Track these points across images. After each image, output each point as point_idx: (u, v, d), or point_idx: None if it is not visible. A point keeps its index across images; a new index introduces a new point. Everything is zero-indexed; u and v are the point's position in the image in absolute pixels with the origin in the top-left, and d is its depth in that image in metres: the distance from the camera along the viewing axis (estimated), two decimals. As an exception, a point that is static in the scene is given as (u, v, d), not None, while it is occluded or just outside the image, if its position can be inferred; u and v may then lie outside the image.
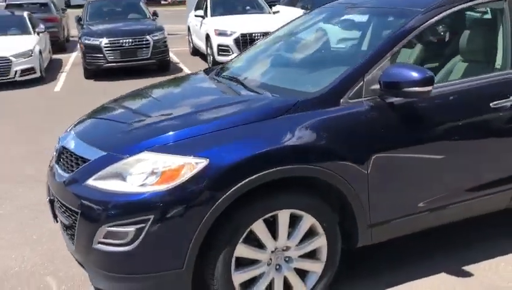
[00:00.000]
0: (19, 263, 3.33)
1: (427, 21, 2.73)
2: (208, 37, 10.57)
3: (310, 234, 2.56)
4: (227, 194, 2.27)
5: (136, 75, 9.65)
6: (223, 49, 9.97)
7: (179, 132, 2.43)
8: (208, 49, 10.65)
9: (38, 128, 6.67)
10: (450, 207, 2.81)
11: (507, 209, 3.06)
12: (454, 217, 2.91)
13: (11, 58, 9.50)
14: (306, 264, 2.60)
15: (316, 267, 2.62)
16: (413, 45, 2.98)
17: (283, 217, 2.45)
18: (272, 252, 2.50)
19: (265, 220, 2.43)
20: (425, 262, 3.07)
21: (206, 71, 3.64)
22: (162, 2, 35.64)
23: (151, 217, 2.23)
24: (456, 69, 3.08)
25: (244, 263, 2.47)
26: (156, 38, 10.17)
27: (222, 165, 2.28)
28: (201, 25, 11.27)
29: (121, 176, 2.34)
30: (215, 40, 10.16)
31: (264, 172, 2.30)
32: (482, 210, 3.00)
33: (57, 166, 2.73)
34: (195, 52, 12.37)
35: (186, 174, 2.26)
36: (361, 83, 2.57)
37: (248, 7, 11.82)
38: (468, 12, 3.16)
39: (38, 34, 10.86)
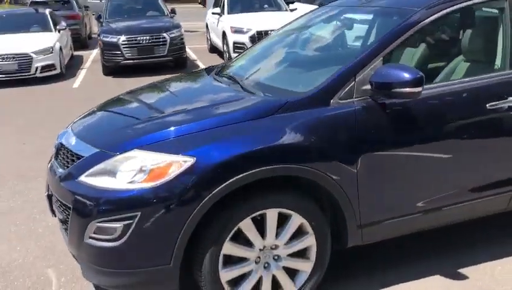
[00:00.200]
0: (22, 255, 3.44)
1: (422, 21, 2.70)
2: (224, 34, 10.64)
3: (299, 233, 2.57)
4: (213, 192, 2.30)
5: (153, 72, 9.77)
6: (239, 47, 10.00)
7: (169, 131, 2.47)
8: (224, 46, 10.72)
9: (53, 123, 6.80)
10: (444, 209, 2.79)
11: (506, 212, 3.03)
12: (449, 219, 2.88)
13: (32, 54, 9.74)
14: (295, 263, 2.61)
15: (305, 267, 2.63)
16: (407, 44, 2.94)
17: (271, 216, 2.47)
18: (260, 250, 2.52)
19: (254, 219, 2.45)
20: (422, 263, 3.06)
21: (208, 70, 3.69)
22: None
23: (138, 213, 2.28)
24: (453, 70, 3.03)
25: (233, 261, 2.50)
26: (172, 35, 10.28)
27: (209, 164, 2.31)
28: (218, 22, 11.34)
29: (111, 173, 2.39)
30: (231, 38, 10.21)
31: (250, 171, 2.32)
32: (484, 211, 2.97)
33: (55, 162, 2.81)
34: (213, 49, 12.45)
35: (173, 173, 2.30)
36: (353, 83, 2.56)
37: (265, 5, 11.83)
38: (466, 12, 3.11)
39: (59, 31, 11.09)
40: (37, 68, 9.79)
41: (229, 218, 2.40)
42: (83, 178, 2.45)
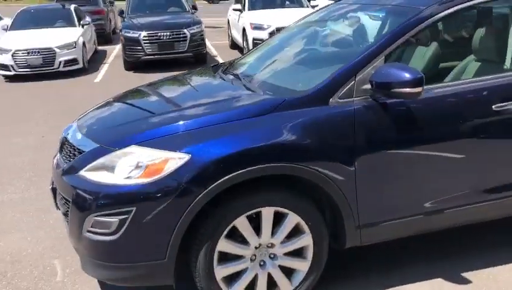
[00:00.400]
0: (32, 245, 3.53)
1: (425, 20, 2.65)
2: (244, 30, 10.65)
3: (296, 232, 2.57)
4: (207, 189, 2.31)
5: (174, 67, 9.85)
6: (258, 43, 9.97)
7: (166, 128, 2.50)
8: (244, 42, 10.73)
9: (73, 117, 6.90)
10: (446, 212, 2.73)
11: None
12: (450, 222, 2.82)
13: (55, 49, 9.97)
14: (291, 262, 2.61)
15: (301, 266, 2.63)
16: (411, 44, 2.89)
17: (266, 214, 2.47)
18: (256, 248, 2.53)
19: (250, 217, 2.46)
20: (422, 265, 3.01)
21: (215, 67, 3.70)
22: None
23: (134, 208, 2.31)
24: (463, 69, 2.97)
25: (229, 258, 2.52)
26: (193, 31, 10.36)
27: (204, 161, 2.33)
28: (239, 19, 11.38)
29: (110, 168, 2.43)
30: (251, 34, 10.22)
31: (245, 169, 2.33)
32: (486, 216, 2.90)
33: (59, 156, 2.88)
34: (234, 45, 12.49)
35: (168, 169, 2.32)
36: (353, 82, 2.53)
37: (287, 1, 11.78)
38: (471, 11, 3.03)
39: (83, 26, 11.30)
40: (60, 62, 10.01)
41: (224, 215, 2.41)
42: (82, 172, 2.50)
